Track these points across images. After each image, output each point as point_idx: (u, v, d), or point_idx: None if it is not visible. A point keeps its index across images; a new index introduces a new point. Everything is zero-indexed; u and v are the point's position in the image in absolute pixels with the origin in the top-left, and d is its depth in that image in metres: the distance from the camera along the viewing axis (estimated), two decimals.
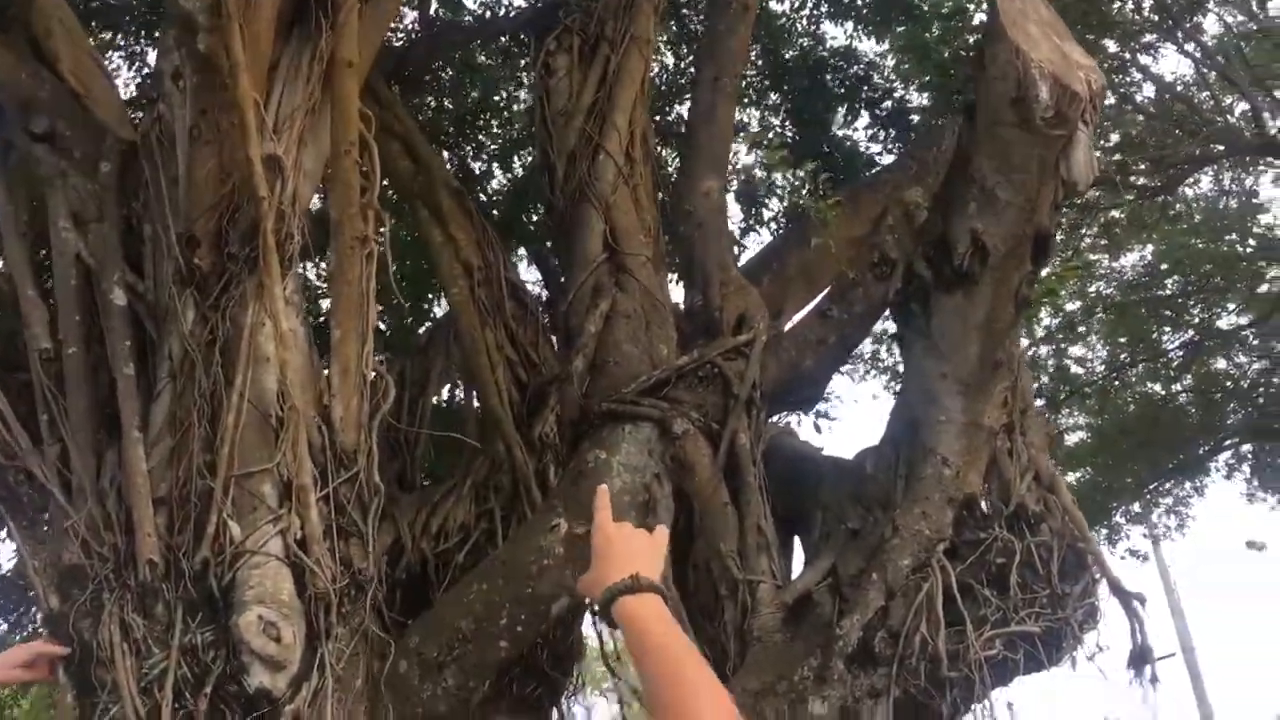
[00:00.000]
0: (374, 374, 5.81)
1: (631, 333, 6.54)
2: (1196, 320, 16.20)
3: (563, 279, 7.79)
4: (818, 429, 8.26)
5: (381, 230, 5.78)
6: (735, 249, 10.49)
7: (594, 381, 6.34)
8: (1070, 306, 16.99)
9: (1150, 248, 16.38)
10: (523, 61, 12.72)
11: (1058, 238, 5.30)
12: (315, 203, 7.46)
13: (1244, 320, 16.39)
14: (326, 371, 5.70)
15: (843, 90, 13.12)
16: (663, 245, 7.95)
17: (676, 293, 7.93)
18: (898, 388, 11.52)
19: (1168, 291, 15.96)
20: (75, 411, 5.45)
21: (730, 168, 8.54)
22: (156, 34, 11.19)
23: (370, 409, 5.61)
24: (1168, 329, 16.25)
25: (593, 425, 6.05)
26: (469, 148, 13.30)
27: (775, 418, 7.98)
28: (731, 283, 6.57)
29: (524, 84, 12.84)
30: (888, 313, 5.98)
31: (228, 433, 5.09)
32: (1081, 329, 17.24)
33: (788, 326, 6.94)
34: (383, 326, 11.61)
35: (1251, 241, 15.58)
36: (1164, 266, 15.92)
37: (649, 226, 7.54)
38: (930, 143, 12.90)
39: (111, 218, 5.76)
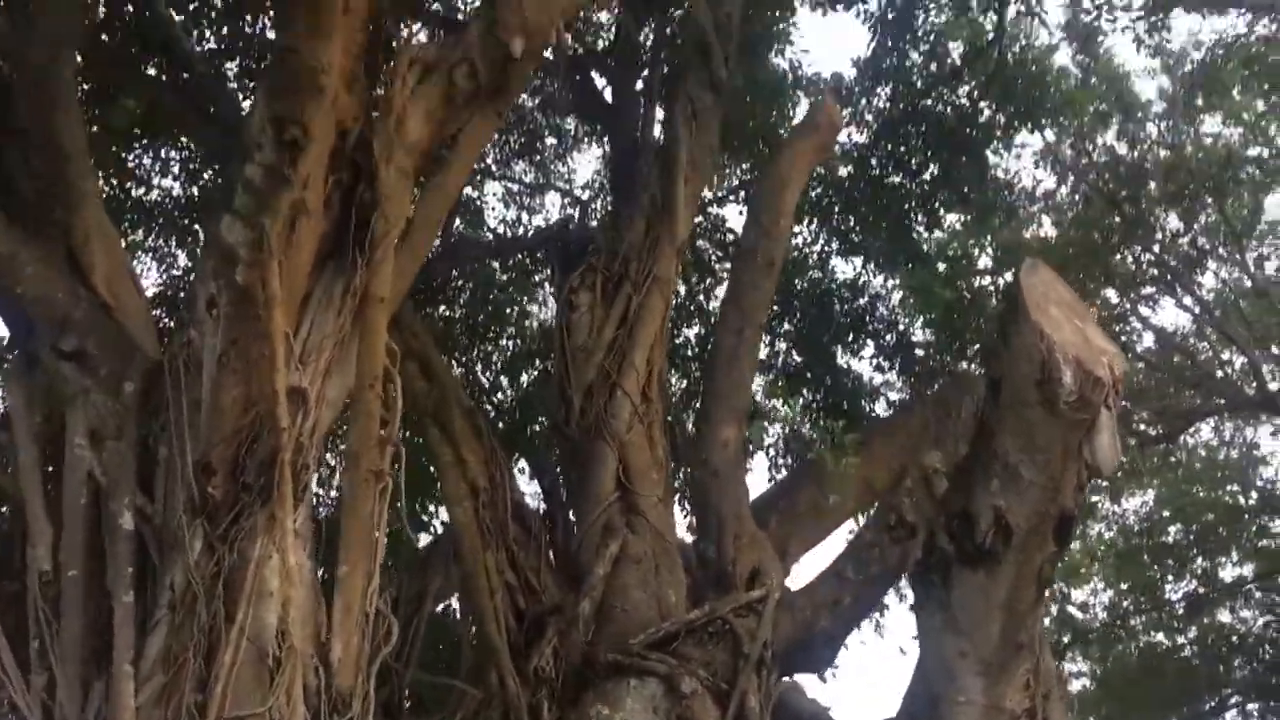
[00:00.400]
0: (376, 611, 5.67)
1: (641, 577, 6.46)
2: (1199, 570, 16.04)
3: (572, 513, 7.75)
4: (822, 679, 8.06)
5: (396, 465, 5.76)
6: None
7: (600, 627, 6.22)
8: (1072, 546, 16.95)
9: (1152, 494, 16.42)
10: (536, 278, 13.19)
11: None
12: None
13: (1247, 572, 16.24)
14: (327, 606, 5.56)
15: (849, 321, 13.51)
16: (671, 478, 7.98)
17: (683, 526, 8.03)
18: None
19: (1170, 540, 15.86)
20: (68, 637, 5.30)
21: None
22: (189, 237, 11.66)
23: (370, 650, 5.45)
24: (1170, 578, 16.07)
25: (597, 675, 5.87)
26: (479, 359, 13.59)
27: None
28: (746, 535, 6.53)
29: (537, 300, 13.29)
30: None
31: (223, 671, 4.93)
32: (1083, 571, 17.08)
33: (802, 585, 6.87)
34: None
35: (1254, 494, 15.63)
36: (1166, 514, 15.90)
37: (661, 463, 7.57)
38: (934, 379, 13.47)
39: (129, 437, 5.75)
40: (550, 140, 14.43)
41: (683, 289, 13.69)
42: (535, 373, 12.63)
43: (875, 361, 13.66)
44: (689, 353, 12.88)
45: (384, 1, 6.33)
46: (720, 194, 14.31)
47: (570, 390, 7.77)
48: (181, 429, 5.57)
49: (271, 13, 9.27)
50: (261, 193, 5.64)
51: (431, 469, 9.24)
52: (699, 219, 13.21)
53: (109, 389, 5.84)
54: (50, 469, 6.07)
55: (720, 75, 8.84)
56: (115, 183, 11.42)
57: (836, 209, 13.11)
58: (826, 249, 13.54)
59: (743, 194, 13.31)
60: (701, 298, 13.52)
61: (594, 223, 12.37)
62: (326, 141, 5.89)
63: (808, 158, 8.34)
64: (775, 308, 13.84)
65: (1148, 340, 15.24)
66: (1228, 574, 16.22)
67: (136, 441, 5.77)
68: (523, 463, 12.70)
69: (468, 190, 13.43)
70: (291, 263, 5.72)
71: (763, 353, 14.12)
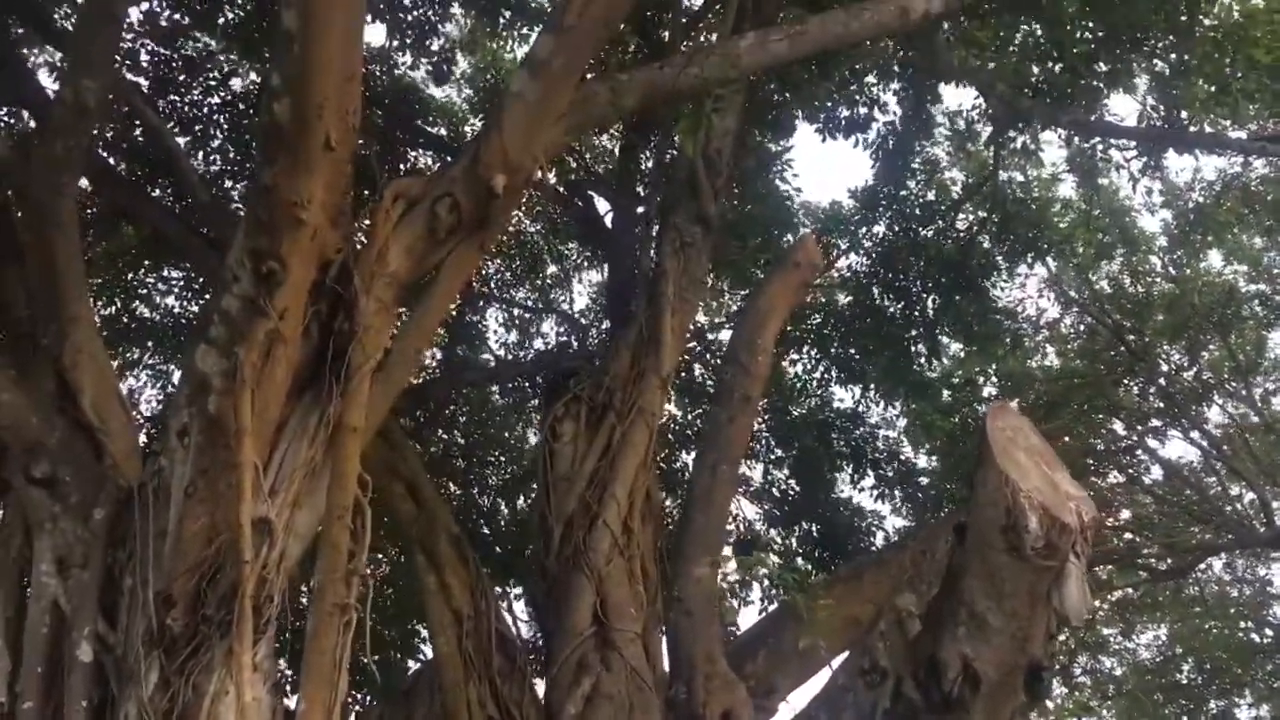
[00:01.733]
0: None
1: (613, 717, 6.32)
2: (1214, 711, 15.63)
3: (546, 648, 7.66)
4: None
5: (363, 597, 5.72)
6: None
7: None
8: (1082, 679, 16.55)
9: (1164, 628, 16.11)
10: (533, 403, 13.30)
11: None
12: None
13: (1265, 714, 15.81)
14: None
15: (848, 450, 13.50)
16: (660, 611, 7.90)
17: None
18: None
19: (1183, 678, 15.50)
20: None
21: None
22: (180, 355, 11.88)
23: None
24: (1184, 719, 15.65)
25: None
26: (476, 483, 13.60)
27: None
28: (718, 677, 6.44)
29: (533, 425, 13.35)
30: None
31: None
32: (1094, 706, 16.70)
33: None
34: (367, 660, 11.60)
35: (1269, 632, 15.31)
36: (1178, 651, 15.57)
37: (643, 599, 7.52)
38: (937, 510, 13.41)
39: (95, 566, 5.75)
40: (551, 267, 14.85)
41: (677, 413, 13.82)
42: (531, 498, 12.61)
43: (876, 492, 13.73)
44: (685, 479, 12.86)
45: (371, 142, 6.51)
46: (718, 320, 14.64)
47: (551, 521, 7.77)
48: (146, 558, 5.58)
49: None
50: (237, 323, 5.76)
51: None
52: (693, 344, 13.38)
53: (78, 516, 5.86)
54: (17, 597, 6.06)
55: (709, 210, 9.01)
56: (118, 303, 11.70)
57: (836, 337, 13.25)
58: (826, 376, 13.60)
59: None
60: (699, 423, 13.61)
61: (592, 349, 12.50)
62: (306, 273, 6.02)
63: (787, 295, 8.46)
64: (772, 435, 14.03)
65: (1156, 473, 15.10)
66: (1244, 715, 15.78)
67: (102, 570, 5.76)
68: (519, 588, 12.76)
69: (469, 314, 13.78)
70: (265, 391, 5.79)
71: (758, 480, 14.27)
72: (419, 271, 6.69)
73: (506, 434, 13.62)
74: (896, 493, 13.74)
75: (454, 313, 13.01)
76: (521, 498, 13.32)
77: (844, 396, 14.19)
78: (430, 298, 6.76)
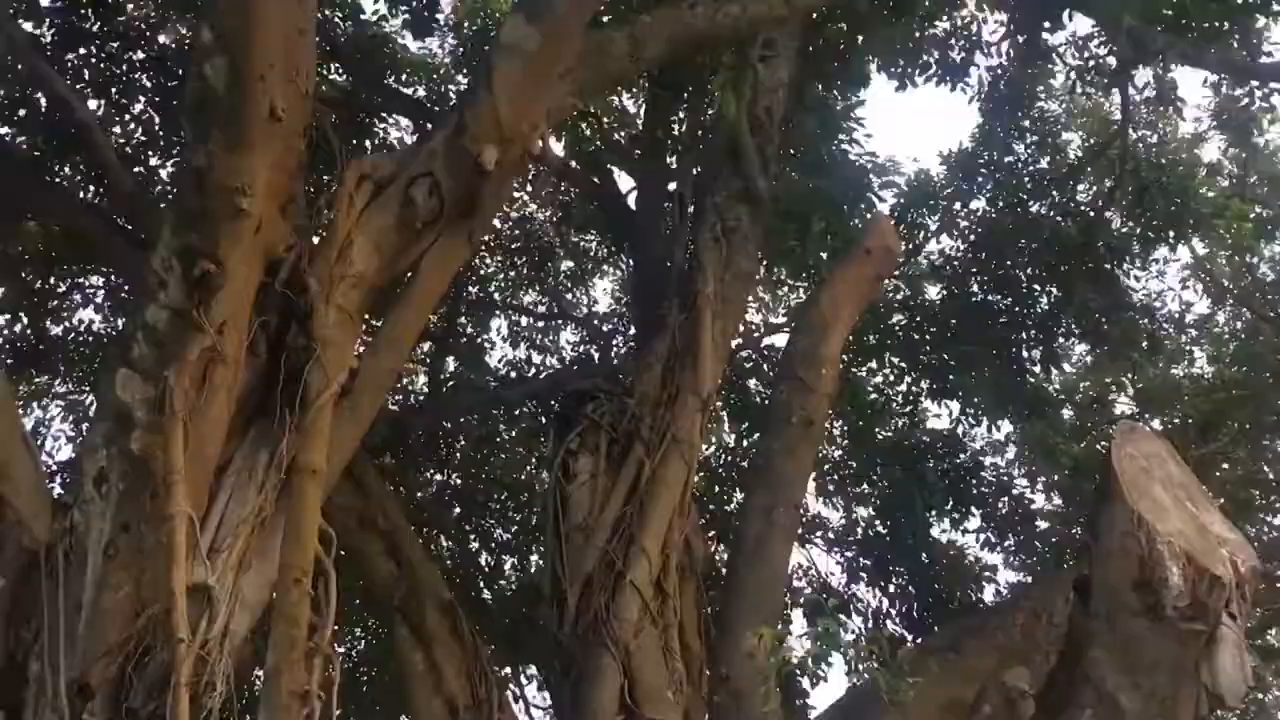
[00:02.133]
0: None
1: None
2: None
3: None
4: None
5: (330, 683, 5.75)
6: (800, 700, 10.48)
7: None
8: None
9: None
10: (545, 433, 13.34)
11: None
12: None
13: None
14: None
15: (946, 482, 13.36)
16: (703, 693, 7.91)
17: None
18: None
19: None
20: None
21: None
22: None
23: None
24: None
25: None
26: (476, 535, 13.61)
27: None
28: None
29: (543, 461, 13.39)
30: None
31: None
32: None
33: None
34: None
35: None
36: None
37: (682, 679, 7.54)
38: (1060, 560, 13.28)
39: None
40: (564, 263, 15.01)
41: (727, 440, 13.83)
42: (541, 553, 12.69)
43: (982, 536, 13.59)
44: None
45: (330, 111, 6.59)
46: (774, 320, 14.63)
47: (565, 582, 7.81)
48: (56, 638, 5.62)
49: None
50: (165, 341, 5.81)
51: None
52: (744, 352, 13.39)
53: None
54: None
55: (757, 185, 9.04)
56: (22, 318, 11.76)
57: (926, 342, 13.25)
58: (914, 391, 13.56)
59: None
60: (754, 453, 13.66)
61: (615, 364, 12.59)
62: (250, 275, 6.09)
63: (859, 289, 8.48)
64: (850, 466, 13.96)
65: None
66: None
67: (3, 654, 5.81)
68: (529, 668, 12.77)
69: (461, 324, 13.84)
70: (201, 426, 5.85)
71: (836, 522, 14.19)
72: (392, 271, 6.76)
73: (512, 474, 13.62)
74: (1008, 537, 13.65)
75: (441, 322, 13.06)
76: (531, 553, 13.35)
77: (939, 415, 14.08)
78: (407, 304, 6.83)
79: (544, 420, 12.83)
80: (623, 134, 13.87)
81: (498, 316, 14.75)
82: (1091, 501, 9.35)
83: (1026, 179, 13.11)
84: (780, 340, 13.56)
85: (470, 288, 13.80)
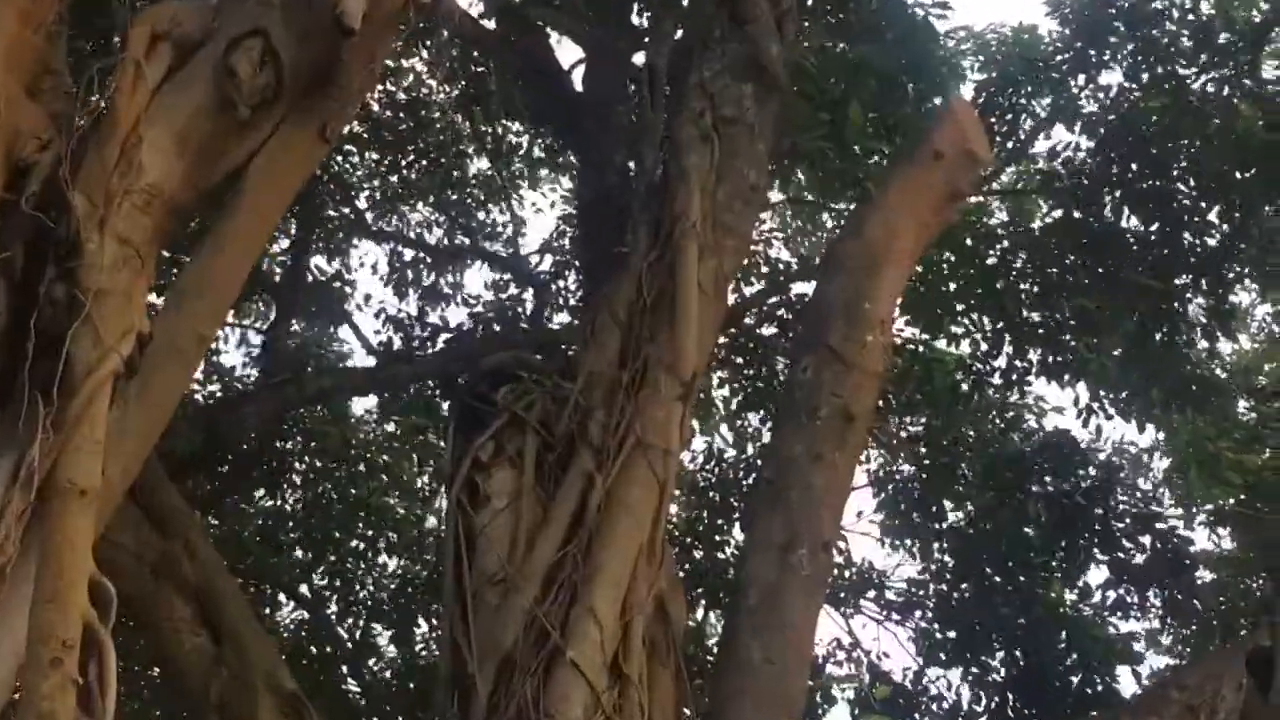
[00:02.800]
0: None
1: None
2: None
3: None
4: None
5: None
6: None
7: None
8: None
9: None
10: (434, 435, 13.31)
11: None
12: None
13: None
14: None
15: (1060, 513, 13.22)
16: None
17: None
18: None
19: None
20: None
21: None
22: None
23: None
24: None
25: None
26: (334, 589, 13.46)
27: None
28: None
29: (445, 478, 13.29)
30: None
31: None
32: None
33: None
34: None
35: None
36: None
37: None
38: (1228, 627, 13.28)
39: None
40: (478, 166, 15.22)
41: (729, 442, 13.80)
42: (437, 618, 12.65)
43: (1115, 593, 13.50)
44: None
45: None
46: (797, 256, 14.48)
47: (472, 663, 7.75)
48: None
49: None
50: None
51: None
52: (752, 310, 13.34)
53: None
54: None
55: (769, 52, 8.99)
56: None
57: (1034, 292, 13.13)
58: (1016, 368, 13.42)
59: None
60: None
61: (551, 329, 12.54)
62: None
63: (922, 216, 8.48)
64: (919, 486, 13.81)
65: None
66: None
67: None
68: None
69: (317, 264, 13.79)
70: None
71: (895, 573, 14.14)
72: (204, 181, 6.67)
73: (390, 498, 13.61)
74: (1152, 595, 13.67)
75: (281, 261, 12.98)
76: (420, 618, 13.32)
77: (1051, 408, 14.09)
78: (226, 233, 6.74)
79: (441, 415, 12.76)
80: None
81: (370, 251, 14.76)
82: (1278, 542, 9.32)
83: (1186, 39, 13.03)
84: (806, 291, 13.55)
85: (327, 208, 13.71)
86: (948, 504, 13.77)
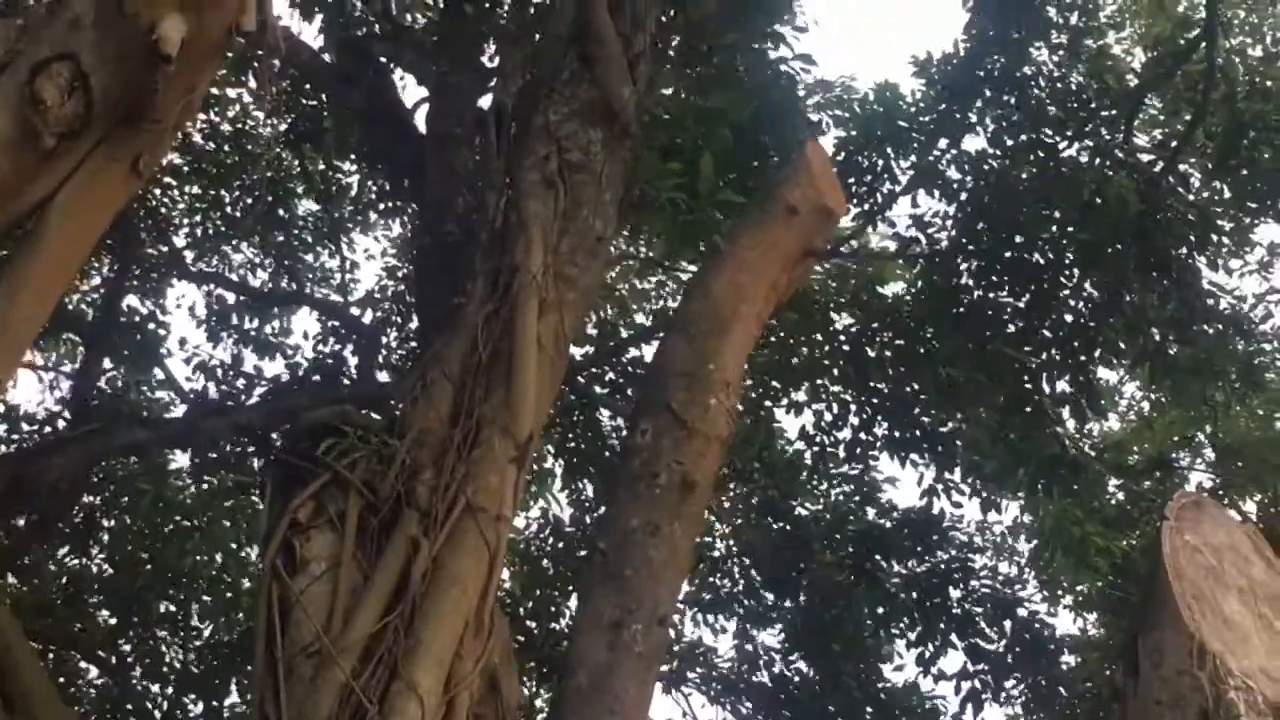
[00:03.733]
0: None
1: None
2: None
3: None
4: None
5: None
6: None
7: None
8: None
9: None
10: (256, 496, 13.22)
11: None
12: None
13: None
14: None
15: (915, 595, 13.40)
16: None
17: None
18: None
19: None
20: None
21: None
22: None
23: None
24: None
25: None
26: (140, 659, 13.32)
27: None
28: None
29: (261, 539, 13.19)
30: None
31: None
32: None
33: None
34: None
35: None
36: None
37: None
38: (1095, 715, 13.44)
39: None
40: (303, 212, 15.27)
41: (564, 508, 13.82)
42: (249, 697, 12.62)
43: (969, 681, 13.62)
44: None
45: None
46: (645, 317, 14.54)
47: None
48: None
49: None
50: None
51: None
52: (590, 369, 13.37)
53: None
54: None
55: (619, 96, 9.07)
56: None
57: (888, 361, 13.29)
58: (866, 441, 13.56)
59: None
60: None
61: (379, 383, 12.50)
62: None
63: (772, 275, 8.57)
64: (755, 560, 13.89)
65: None
66: None
67: None
68: None
69: (134, 308, 13.67)
70: None
71: (728, 654, 14.22)
72: (4, 215, 6.62)
73: (204, 556, 13.49)
74: (1009, 681, 13.81)
75: (90, 303, 12.88)
76: (232, 689, 13.22)
77: (901, 483, 14.23)
78: (27, 270, 6.70)
79: (258, 471, 12.69)
80: (412, 12, 13.82)
81: (188, 293, 14.74)
82: (1131, 621, 9.55)
83: (1052, 105, 13.22)
84: (649, 352, 13.59)
85: (144, 244, 13.62)
86: (793, 580, 13.81)
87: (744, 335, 8.48)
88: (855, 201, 13.33)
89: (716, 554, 14.58)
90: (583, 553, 13.15)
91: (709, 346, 8.35)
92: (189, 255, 15.14)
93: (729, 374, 8.33)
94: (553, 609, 13.08)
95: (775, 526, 13.98)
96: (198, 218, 15.00)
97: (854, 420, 13.90)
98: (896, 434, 13.74)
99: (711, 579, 14.29)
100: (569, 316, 9.13)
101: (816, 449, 14.09)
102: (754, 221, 8.92)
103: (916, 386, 13.34)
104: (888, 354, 13.48)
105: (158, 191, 13.92)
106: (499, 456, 8.47)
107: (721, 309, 8.39)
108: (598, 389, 14.24)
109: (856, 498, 14.18)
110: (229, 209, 14.82)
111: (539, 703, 11.37)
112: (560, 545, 13.62)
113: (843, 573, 13.15)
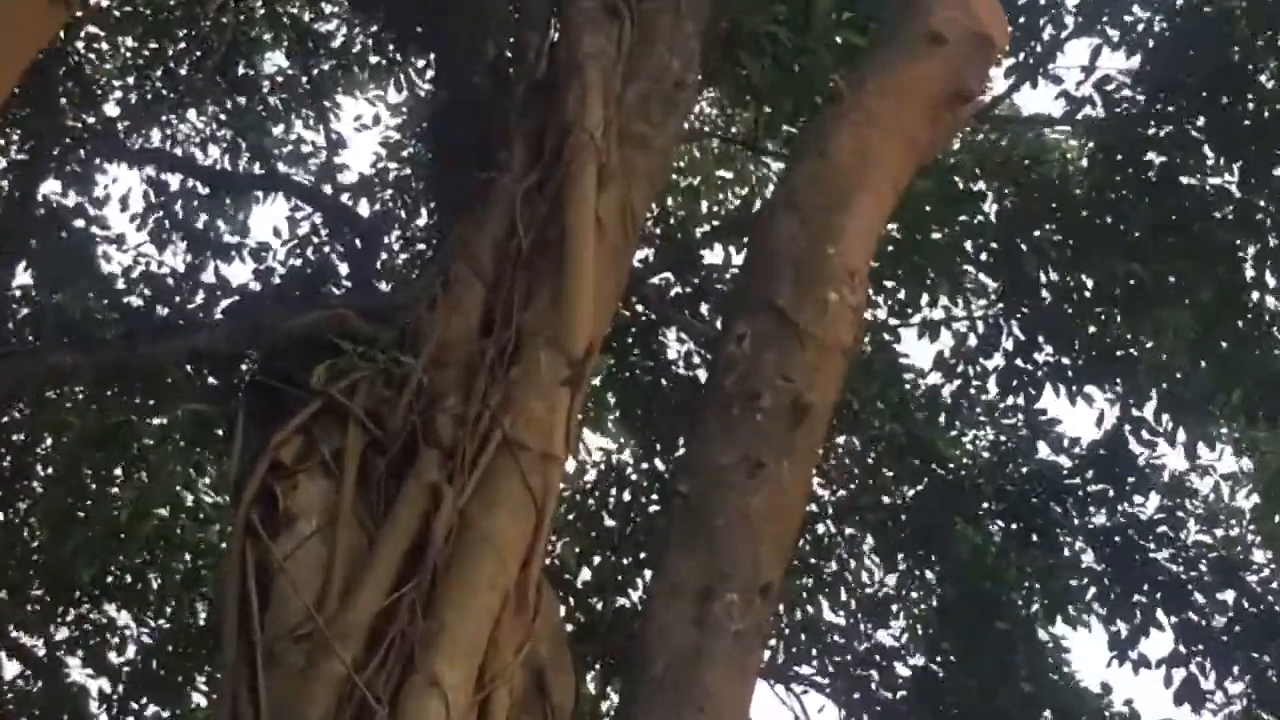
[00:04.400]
0: None
1: None
2: None
3: None
4: None
5: None
6: None
7: None
8: None
9: None
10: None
11: None
12: None
13: None
14: None
15: (1106, 563, 13.42)
16: None
17: None
18: None
19: None
20: None
21: None
22: None
23: None
24: None
25: None
26: (85, 656, 13.46)
27: None
28: None
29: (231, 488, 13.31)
30: None
31: None
32: None
33: None
34: None
35: None
36: None
37: None
38: None
39: None
40: (273, 60, 15.07)
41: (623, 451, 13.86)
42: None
43: (1187, 664, 13.62)
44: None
45: None
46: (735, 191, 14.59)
47: None
48: None
49: None
50: None
51: None
52: (651, 274, 13.43)
53: None
54: None
55: None
56: None
57: (1051, 256, 13.06)
58: (1021, 371, 13.48)
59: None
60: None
61: (387, 286, 12.53)
62: None
63: (910, 122, 8.49)
64: (891, 523, 13.95)
65: None
66: None
67: None
68: None
69: (59, 192, 13.76)
70: None
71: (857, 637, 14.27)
72: None
73: (158, 516, 13.58)
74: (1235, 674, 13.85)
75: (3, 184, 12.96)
76: (197, 683, 13.32)
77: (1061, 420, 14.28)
78: None
79: (224, 401, 12.70)
80: None
81: (124, 179, 14.80)
82: None
83: None
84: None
85: (65, 115, 13.65)
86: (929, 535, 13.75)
87: (873, 210, 8.36)
88: (1010, 50, 13.16)
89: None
90: (657, 504, 13.00)
91: (827, 224, 8.21)
92: (121, 128, 14.97)
93: (854, 260, 8.20)
94: (620, 580, 12.89)
95: (909, 475, 13.82)
96: (132, 79, 14.91)
97: (1007, 344, 13.74)
98: (1064, 359, 13.59)
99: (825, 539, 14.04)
100: (639, 189, 9.05)
101: (959, 382, 13.97)
102: (885, 57, 8.78)
103: (1091, 289, 13.19)
104: (1052, 249, 13.29)
105: (82, 46, 13.84)
106: (546, 377, 8.41)
107: (843, 175, 8.28)
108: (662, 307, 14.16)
109: (1022, 431, 13.95)
110: (172, 65, 14.72)
111: (605, 705, 11.24)
112: (629, 497, 13.37)
113: (1004, 530, 12.98)
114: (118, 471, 13.64)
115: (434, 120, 12.06)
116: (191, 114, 15.50)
